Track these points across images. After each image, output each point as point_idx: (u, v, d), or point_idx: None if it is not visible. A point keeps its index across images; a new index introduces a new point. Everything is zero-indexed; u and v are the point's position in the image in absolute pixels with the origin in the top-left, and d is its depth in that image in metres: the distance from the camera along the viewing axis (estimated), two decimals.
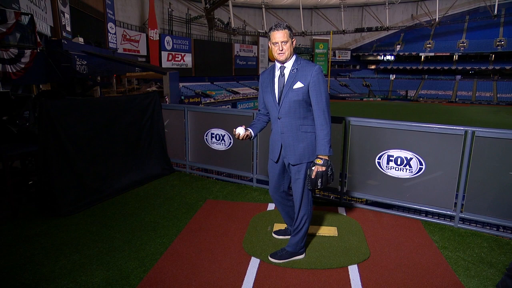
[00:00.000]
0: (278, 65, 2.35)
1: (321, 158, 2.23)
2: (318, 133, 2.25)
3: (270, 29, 2.28)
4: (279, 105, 2.30)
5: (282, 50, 2.22)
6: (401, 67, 46.71)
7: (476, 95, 40.02)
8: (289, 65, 2.29)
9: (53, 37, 10.35)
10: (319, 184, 2.25)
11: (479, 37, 43.23)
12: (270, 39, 2.28)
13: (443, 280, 2.36)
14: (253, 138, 2.51)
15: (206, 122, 4.50)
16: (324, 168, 2.23)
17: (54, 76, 8.33)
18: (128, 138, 4.17)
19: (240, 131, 2.38)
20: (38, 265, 2.46)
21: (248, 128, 2.44)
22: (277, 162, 2.45)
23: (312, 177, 2.25)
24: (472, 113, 28.54)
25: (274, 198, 2.60)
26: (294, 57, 2.31)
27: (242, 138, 2.40)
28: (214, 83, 36.21)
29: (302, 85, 2.22)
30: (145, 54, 28.48)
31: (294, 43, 2.29)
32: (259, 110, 2.61)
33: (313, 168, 2.25)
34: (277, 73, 2.34)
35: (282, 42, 2.21)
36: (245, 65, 39.96)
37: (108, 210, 3.45)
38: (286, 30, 2.23)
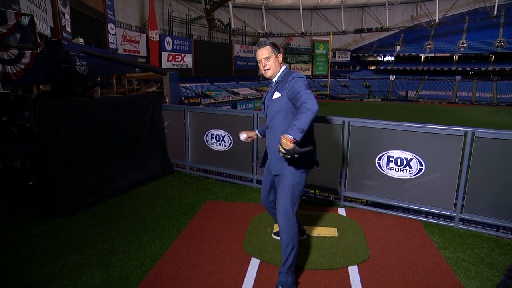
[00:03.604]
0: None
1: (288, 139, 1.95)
2: (298, 116, 1.99)
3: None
4: (265, 114, 2.40)
5: (265, 66, 2.29)
6: (401, 68, 46.68)
7: (476, 95, 40.01)
8: (276, 78, 2.34)
9: (53, 37, 10.35)
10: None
11: (479, 37, 43.22)
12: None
13: (443, 280, 2.36)
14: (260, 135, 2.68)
15: (206, 122, 4.50)
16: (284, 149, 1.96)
17: (54, 76, 8.32)
18: (128, 139, 4.17)
19: (243, 136, 2.62)
20: (38, 265, 2.46)
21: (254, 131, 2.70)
22: (263, 165, 2.51)
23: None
24: (472, 113, 28.54)
25: (266, 207, 2.63)
26: (281, 70, 2.33)
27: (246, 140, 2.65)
28: (214, 83, 36.20)
29: (280, 95, 2.24)
30: (145, 54, 28.48)
31: (280, 58, 2.32)
32: None
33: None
34: (270, 85, 2.40)
35: (264, 58, 2.28)
36: (245, 65, 39.95)
37: (108, 210, 3.45)
38: (268, 47, 2.28)
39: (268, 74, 2.31)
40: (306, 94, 2.07)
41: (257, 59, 2.34)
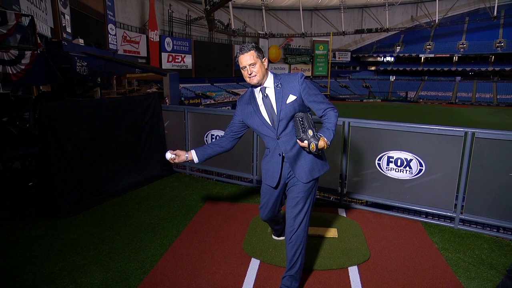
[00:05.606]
0: (256, 88, 2.17)
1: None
2: (331, 120, 2.04)
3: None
4: (277, 125, 2.10)
5: (251, 74, 2.06)
6: (401, 69, 46.76)
7: (476, 96, 40.05)
8: (269, 84, 2.12)
9: (54, 38, 10.37)
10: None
11: (478, 38, 43.30)
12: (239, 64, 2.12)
13: (443, 281, 2.35)
14: (200, 163, 2.45)
15: (206, 123, 4.50)
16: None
17: (54, 77, 8.35)
18: (128, 139, 4.17)
19: (167, 155, 2.37)
20: (38, 266, 2.45)
21: (190, 151, 2.39)
22: (276, 187, 2.24)
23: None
24: (472, 114, 28.55)
25: (269, 221, 2.53)
26: (271, 75, 2.14)
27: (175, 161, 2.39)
28: (214, 84, 36.27)
29: (295, 97, 2.06)
30: (145, 55, 28.55)
31: (265, 62, 2.11)
32: (223, 135, 2.47)
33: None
34: (259, 95, 2.15)
35: (250, 65, 2.04)
36: None
37: (108, 211, 3.44)
38: (252, 51, 2.04)
39: (254, 81, 2.07)
40: (324, 97, 2.11)
41: (240, 66, 2.07)
